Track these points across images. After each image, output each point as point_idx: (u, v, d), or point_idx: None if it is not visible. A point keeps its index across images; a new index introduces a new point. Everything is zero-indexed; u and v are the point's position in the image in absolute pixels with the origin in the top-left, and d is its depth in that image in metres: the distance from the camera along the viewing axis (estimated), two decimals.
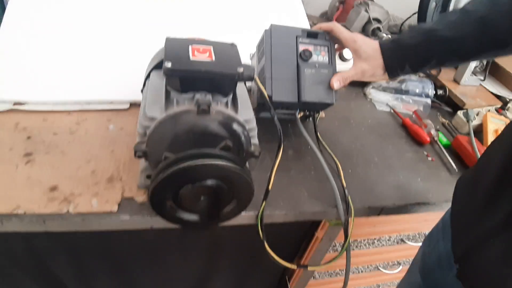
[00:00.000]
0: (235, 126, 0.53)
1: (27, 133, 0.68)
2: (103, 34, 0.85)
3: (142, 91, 0.66)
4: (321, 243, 0.81)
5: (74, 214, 0.57)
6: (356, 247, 1.00)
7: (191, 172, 0.46)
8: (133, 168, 0.65)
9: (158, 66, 0.61)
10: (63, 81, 0.76)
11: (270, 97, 0.68)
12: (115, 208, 0.58)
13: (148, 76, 0.62)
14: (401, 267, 1.20)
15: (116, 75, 0.79)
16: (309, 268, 0.70)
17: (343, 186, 0.70)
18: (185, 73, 0.49)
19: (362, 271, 1.16)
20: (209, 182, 0.48)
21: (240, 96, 0.57)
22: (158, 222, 0.60)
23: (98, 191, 0.60)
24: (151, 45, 0.65)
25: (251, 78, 0.55)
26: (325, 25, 0.74)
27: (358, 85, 1.05)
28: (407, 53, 0.68)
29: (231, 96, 0.55)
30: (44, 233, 0.64)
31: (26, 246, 0.68)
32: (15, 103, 0.72)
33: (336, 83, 0.70)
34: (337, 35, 0.72)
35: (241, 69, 0.50)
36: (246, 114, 0.56)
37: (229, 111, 0.53)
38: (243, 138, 0.54)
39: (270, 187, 0.61)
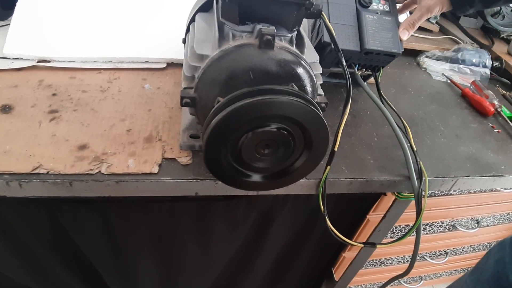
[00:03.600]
0: (302, 68, 0.43)
1: (52, 90, 0.60)
2: None
3: (184, 40, 0.57)
4: (384, 222, 0.71)
5: (107, 175, 0.48)
6: (406, 234, 0.90)
7: (253, 114, 0.37)
8: (174, 128, 0.56)
9: (204, 8, 0.52)
10: (93, 38, 0.68)
11: (328, 44, 0.59)
12: (155, 169, 0.49)
13: (192, 20, 0.53)
14: (447, 257, 1.10)
15: (152, 31, 0.71)
16: (378, 246, 0.60)
17: (414, 150, 0.60)
18: None
19: (407, 261, 1.05)
20: (275, 127, 0.39)
21: (304, 36, 0.48)
22: (205, 188, 0.51)
23: (135, 150, 0.52)
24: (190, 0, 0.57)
25: (319, 13, 0.46)
26: None
27: (410, 54, 0.95)
28: None
29: (295, 33, 0.46)
30: (71, 201, 0.57)
31: (50, 217, 0.60)
32: (39, 60, 0.65)
33: (404, 33, 0.61)
34: None
35: None
36: (312, 57, 0.47)
37: (295, 49, 0.44)
38: (310, 84, 0.45)
39: (336, 148, 0.51)
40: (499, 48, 1.08)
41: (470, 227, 0.98)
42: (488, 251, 0.65)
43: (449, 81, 0.90)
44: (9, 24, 0.68)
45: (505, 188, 0.83)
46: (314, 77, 0.46)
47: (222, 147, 0.40)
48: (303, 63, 0.44)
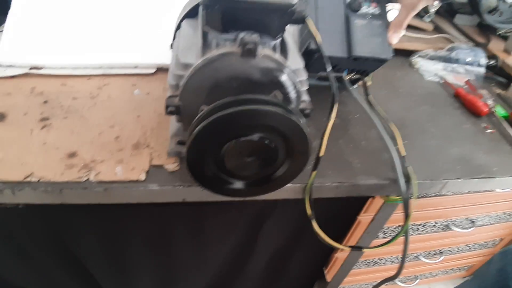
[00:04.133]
0: (285, 75, 0.44)
1: (43, 98, 0.61)
2: None
3: (171, 46, 0.58)
4: (372, 225, 0.71)
5: (95, 182, 0.49)
6: (398, 234, 0.91)
7: (235, 123, 0.38)
8: (162, 134, 0.57)
9: (191, 14, 0.53)
10: (83, 44, 0.69)
11: (315, 51, 0.59)
12: (142, 176, 0.50)
13: (179, 27, 0.54)
14: (443, 256, 1.10)
15: (141, 37, 0.72)
16: (364, 250, 0.61)
17: (401, 156, 0.60)
18: (229, 4, 0.40)
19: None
20: (257, 136, 0.39)
21: (289, 43, 0.48)
22: (192, 194, 0.52)
23: (123, 158, 0.52)
24: (179, 3, 0.57)
25: (303, 19, 0.46)
26: None
27: (403, 54, 0.95)
28: None
29: (279, 40, 0.46)
30: (64, 207, 0.57)
31: (43, 222, 0.61)
32: (31, 68, 0.65)
33: (394, 36, 0.61)
34: None
35: (294, 1, 0.41)
36: (296, 63, 0.47)
37: (278, 57, 0.44)
38: (293, 91, 0.45)
39: (321, 153, 0.51)
40: (496, 45, 1.07)
41: (465, 227, 0.98)
42: (490, 259, 0.65)
43: (442, 81, 0.90)
44: (1, 31, 0.69)
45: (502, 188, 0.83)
46: (298, 83, 0.46)
47: (205, 154, 0.41)
48: (286, 70, 0.44)
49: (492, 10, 1.09)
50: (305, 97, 0.49)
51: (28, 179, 0.48)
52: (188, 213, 0.64)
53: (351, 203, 0.72)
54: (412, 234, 0.94)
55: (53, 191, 0.48)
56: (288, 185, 0.53)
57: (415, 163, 0.62)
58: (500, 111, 0.83)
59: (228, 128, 0.39)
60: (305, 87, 0.48)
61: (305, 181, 0.53)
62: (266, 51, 0.43)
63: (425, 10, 1.04)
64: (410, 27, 1.02)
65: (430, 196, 0.78)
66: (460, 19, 1.12)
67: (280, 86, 0.44)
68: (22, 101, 0.59)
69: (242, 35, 0.42)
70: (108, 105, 0.61)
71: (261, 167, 0.42)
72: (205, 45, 0.44)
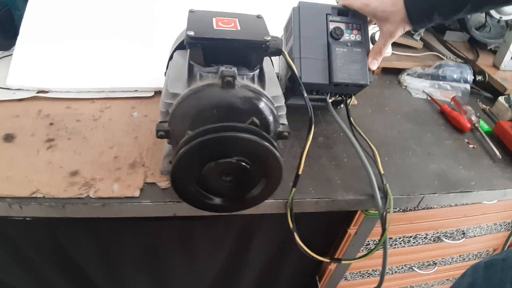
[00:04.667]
0: (262, 102, 0.49)
1: (49, 120, 0.66)
2: (128, 22, 0.83)
3: (165, 74, 0.63)
4: (356, 238, 0.75)
5: (94, 198, 0.54)
6: (390, 245, 0.94)
7: (214, 147, 0.43)
8: (156, 154, 0.62)
9: (181, 46, 0.58)
10: (87, 69, 0.75)
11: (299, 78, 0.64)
12: (136, 193, 0.55)
13: (171, 57, 0.59)
14: (436, 267, 1.12)
15: (141, 62, 0.77)
16: (343, 262, 0.65)
17: (380, 173, 0.64)
18: (209, 42, 0.45)
19: (396, 272, 1.09)
20: (234, 158, 0.44)
21: (267, 72, 0.53)
22: (182, 209, 0.56)
23: (120, 176, 0.58)
24: (176, 32, 0.62)
25: (279, 51, 0.51)
26: (340, 3, 0.69)
27: (392, 73, 0.99)
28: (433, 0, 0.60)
29: (257, 70, 0.51)
30: (68, 220, 0.63)
31: (50, 236, 0.66)
32: (39, 91, 0.71)
33: (373, 63, 0.65)
34: (352, 7, 0.67)
35: (268, 37, 0.46)
36: (274, 91, 0.52)
37: (256, 86, 0.49)
38: (270, 116, 0.50)
39: (300, 171, 0.56)
40: (485, 60, 1.10)
41: (456, 238, 1.01)
42: (463, 273, 0.67)
43: (429, 98, 0.94)
44: (11, 54, 0.75)
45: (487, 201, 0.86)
46: (275, 109, 0.51)
47: (187, 173, 0.46)
48: (264, 98, 0.49)
49: (481, 27, 1.13)
50: (283, 120, 0.54)
51: (34, 195, 0.53)
52: (180, 227, 0.69)
53: (341, 216, 0.76)
54: (404, 246, 0.97)
55: (56, 206, 0.54)
56: (271, 200, 0.58)
57: (394, 179, 0.66)
58: (484, 126, 0.87)
59: (208, 152, 0.44)
60: (282, 112, 0.53)
61: (287, 197, 0.58)
62: (244, 82, 0.48)
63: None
64: (400, 45, 1.06)
65: (418, 210, 0.81)
66: (450, 35, 1.16)
67: (258, 113, 0.48)
68: (29, 123, 0.65)
69: (222, 68, 0.47)
70: (108, 127, 0.66)
71: (238, 186, 0.47)
72: (191, 76, 0.49)
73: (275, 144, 0.45)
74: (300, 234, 0.59)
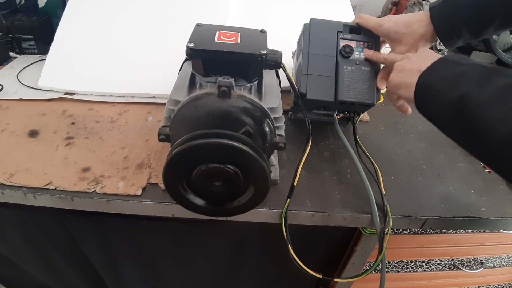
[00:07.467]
0: (258, 113, 0.51)
1: (72, 119, 0.72)
2: (150, 33, 0.88)
3: None
4: (356, 256, 0.74)
5: (100, 194, 0.58)
6: (402, 269, 0.91)
7: (204, 152, 0.45)
8: (163, 156, 0.65)
9: None
10: (111, 75, 0.81)
11: (304, 94, 0.65)
12: (139, 192, 0.59)
13: (181, 67, 0.63)
14: None
15: (160, 70, 0.82)
16: (336, 279, 0.64)
17: (381, 192, 0.63)
18: (207, 54, 0.48)
19: None
20: (223, 165, 0.46)
21: (268, 85, 0.55)
22: (180, 211, 0.59)
23: (127, 175, 0.61)
24: None
25: (278, 64, 0.53)
26: (354, 21, 0.70)
27: None
28: (461, 13, 0.58)
29: (256, 82, 0.54)
30: (77, 213, 0.67)
31: (61, 225, 0.71)
32: (66, 93, 0.78)
33: (382, 82, 0.65)
34: (365, 26, 0.67)
35: (264, 51, 0.48)
36: (272, 102, 0.54)
37: (252, 97, 0.51)
38: (266, 127, 0.52)
39: (295, 183, 0.57)
40: None
41: (474, 268, 0.96)
42: None
43: None
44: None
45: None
46: (272, 120, 0.53)
47: (178, 175, 0.48)
48: (259, 108, 0.51)
49: (509, 49, 1.08)
50: (281, 131, 0.55)
51: (47, 186, 0.58)
52: (176, 229, 0.72)
53: (341, 232, 0.76)
54: (416, 271, 0.94)
55: (66, 198, 0.58)
56: (266, 210, 0.59)
57: (397, 198, 0.64)
58: None
59: (198, 156, 0.46)
60: (280, 123, 0.55)
61: (283, 207, 0.59)
62: (241, 92, 0.51)
63: (437, 48, 1.05)
64: None
65: (429, 233, 0.78)
66: (476, 56, 1.13)
67: (252, 122, 0.50)
68: (53, 121, 0.71)
69: (219, 79, 0.50)
70: (124, 129, 0.71)
71: (227, 191, 0.49)
72: (192, 85, 0.52)
73: (263, 154, 0.46)
74: (297, 248, 0.60)
